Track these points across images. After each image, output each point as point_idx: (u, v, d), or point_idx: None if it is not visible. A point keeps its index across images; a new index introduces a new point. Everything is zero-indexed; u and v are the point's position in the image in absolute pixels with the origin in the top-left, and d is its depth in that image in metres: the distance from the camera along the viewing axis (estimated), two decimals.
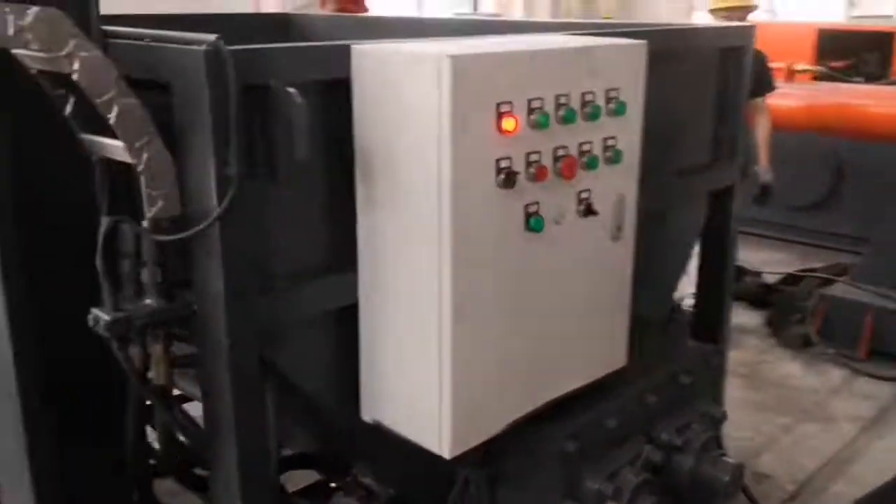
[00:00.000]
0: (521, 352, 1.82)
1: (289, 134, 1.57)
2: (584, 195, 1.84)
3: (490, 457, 1.98)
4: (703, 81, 2.66)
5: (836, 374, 4.67)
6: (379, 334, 1.79)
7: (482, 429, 1.80)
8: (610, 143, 1.86)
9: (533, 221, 1.72)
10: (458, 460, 2.01)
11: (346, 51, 1.66)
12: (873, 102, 5.48)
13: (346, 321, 1.83)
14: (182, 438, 1.87)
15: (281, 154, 1.62)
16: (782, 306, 5.15)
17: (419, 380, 1.73)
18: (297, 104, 1.53)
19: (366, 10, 4.83)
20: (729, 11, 4.88)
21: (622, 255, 2.01)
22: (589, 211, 1.84)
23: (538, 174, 1.70)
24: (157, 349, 1.65)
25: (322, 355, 1.86)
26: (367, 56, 1.66)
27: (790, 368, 4.71)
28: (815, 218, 6.37)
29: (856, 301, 4.81)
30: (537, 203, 1.74)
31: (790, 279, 5.54)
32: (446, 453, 1.74)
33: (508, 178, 1.64)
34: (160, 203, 1.56)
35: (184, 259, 1.63)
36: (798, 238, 6.48)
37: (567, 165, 1.75)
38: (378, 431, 1.90)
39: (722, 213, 2.84)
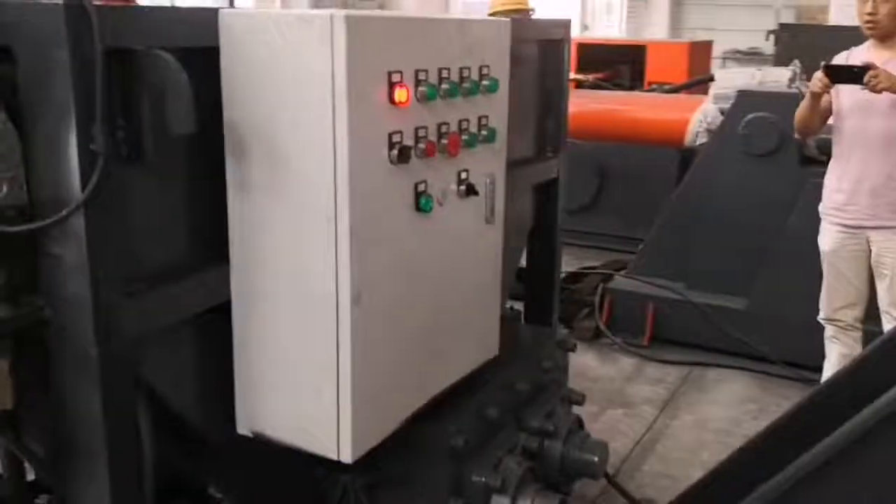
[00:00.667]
0: (414, 342, 1.72)
1: (159, 106, 1.36)
2: (463, 175, 1.77)
3: (371, 461, 1.85)
4: (526, 74, 2.69)
5: (627, 362, 4.94)
6: (257, 334, 1.61)
7: (380, 427, 1.67)
8: (484, 121, 1.81)
9: (423, 201, 1.63)
10: (337, 468, 1.87)
11: (214, 15, 1.48)
12: (633, 108, 5.91)
13: (214, 323, 1.63)
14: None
15: (148, 131, 1.41)
16: (571, 302, 5.38)
17: (310, 379, 1.57)
18: (173, 69, 1.34)
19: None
20: (507, 14, 5.05)
21: (495, 240, 1.96)
22: (470, 190, 1.78)
23: (427, 150, 1.61)
24: (1, 365, 1.36)
25: (189, 363, 1.64)
26: (239, 21, 1.49)
27: (586, 360, 4.92)
28: (585, 220, 6.74)
29: (637, 293, 5.12)
30: (425, 182, 1.64)
31: (573, 277, 5.80)
32: (347, 457, 1.59)
33: (402, 154, 1.54)
34: (4, 189, 1.29)
35: (30, 257, 1.37)
36: (571, 240, 6.81)
37: (452, 142, 1.67)
38: (242, 449, 1.71)
39: (548, 204, 2.89)
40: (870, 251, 3.77)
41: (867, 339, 4.15)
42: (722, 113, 5.13)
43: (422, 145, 1.59)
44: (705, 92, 6.14)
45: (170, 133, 1.36)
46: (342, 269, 1.49)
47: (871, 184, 3.66)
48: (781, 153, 4.78)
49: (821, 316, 4.15)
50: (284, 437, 1.63)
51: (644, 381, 4.74)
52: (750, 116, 4.81)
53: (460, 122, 1.72)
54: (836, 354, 4.19)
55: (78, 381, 1.39)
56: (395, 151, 1.53)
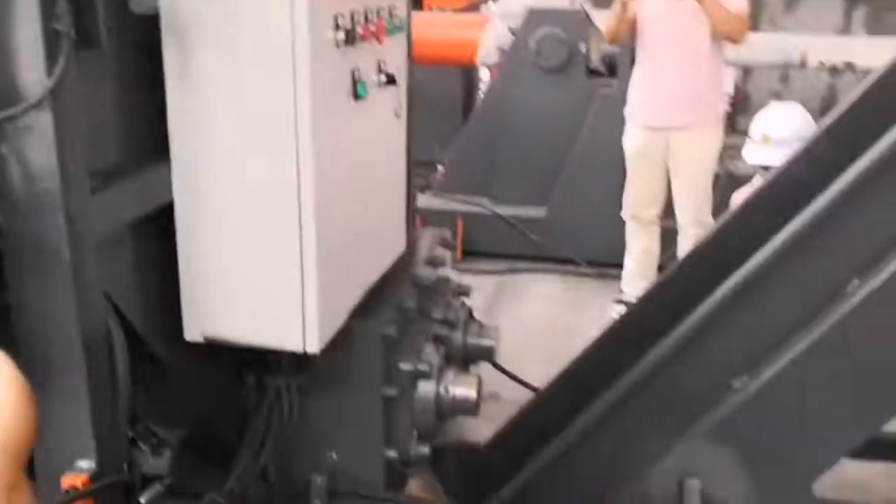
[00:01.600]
0: (353, 236, 1.72)
1: None
2: (382, 64, 1.78)
3: (300, 362, 1.85)
4: None
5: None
6: (206, 234, 1.54)
7: (336, 317, 1.68)
8: (394, 11, 1.82)
9: (360, 87, 1.62)
10: (267, 373, 1.85)
11: None
12: (423, 28, 5.99)
13: (155, 225, 1.54)
14: None
15: (103, 13, 1.28)
16: None
17: (271, 273, 1.54)
18: None
19: None
20: None
21: (403, 136, 1.98)
22: (390, 80, 1.79)
23: (364, 34, 1.60)
24: None
25: (142, 267, 1.54)
26: None
27: None
28: None
29: (446, 211, 5.29)
30: (358, 69, 1.64)
31: None
32: (315, 347, 1.58)
33: (348, 36, 1.52)
34: None
35: None
36: None
37: (381, 27, 1.67)
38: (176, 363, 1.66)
39: None
40: (669, 151, 4.16)
41: (664, 235, 4.61)
42: (511, 31, 5.35)
43: (359, 29, 1.58)
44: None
45: (129, 9, 1.26)
46: (304, 165, 1.46)
47: (671, 88, 4.02)
48: (571, 67, 5.10)
49: (623, 213, 4.53)
50: (240, 337, 1.59)
51: None
52: (540, 33, 5.07)
53: (378, 10, 1.72)
54: (638, 249, 4.61)
55: (47, 290, 1.27)
56: (341, 34, 1.51)
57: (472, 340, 2.30)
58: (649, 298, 2.45)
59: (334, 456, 1.95)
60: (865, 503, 2.85)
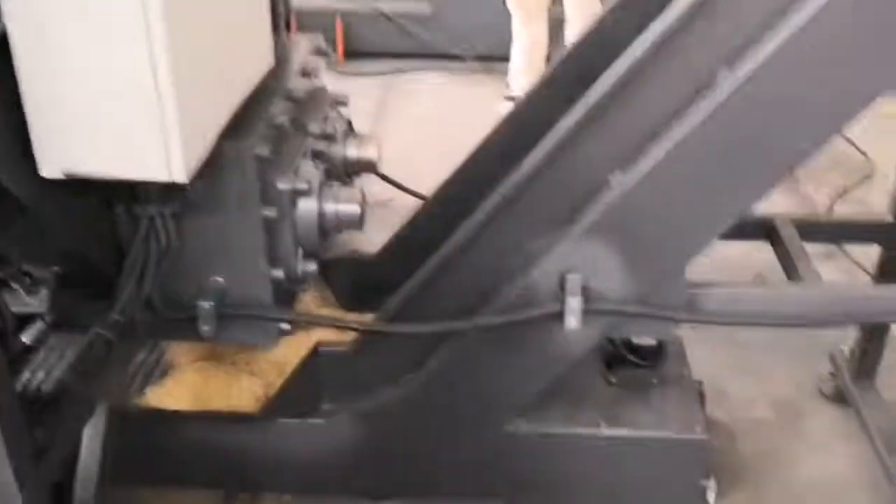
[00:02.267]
0: (213, 52, 1.62)
1: None
2: None
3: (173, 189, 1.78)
4: None
5: (327, 81, 4.96)
6: (49, 64, 1.42)
7: (203, 142, 1.60)
8: None
9: None
10: (140, 202, 1.79)
11: None
12: None
13: None
14: None
15: None
16: None
17: (125, 101, 1.44)
18: None
19: None
20: None
21: None
22: None
23: None
24: None
25: None
26: None
27: None
28: None
29: (323, 11, 5.06)
30: None
31: None
32: (182, 176, 1.52)
33: None
34: None
35: None
36: None
37: None
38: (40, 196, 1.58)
39: None
40: None
41: (552, 26, 4.54)
42: None
43: None
44: None
45: None
46: None
47: None
48: None
49: (509, 3, 4.42)
50: (102, 171, 1.51)
51: (353, 96, 4.82)
52: None
53: None
54: (525, 42, 4.54)
55: None
56: None
57: (353, 153, 2.26)
58: (533, 95, 2.43)
59: (220, 280, 1.93)
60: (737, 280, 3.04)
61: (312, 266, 2.02)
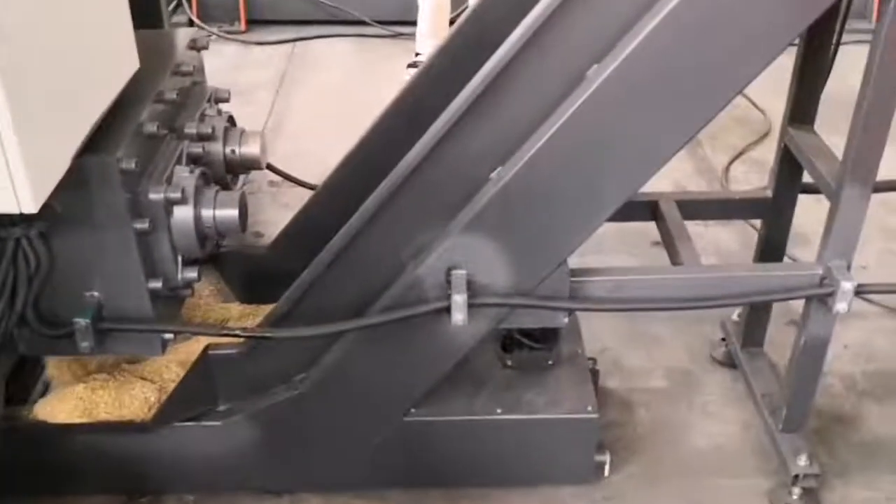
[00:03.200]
0: (62, 67, 1.55)
1: None
2: None
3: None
4: None
5: (229, 51, 4.85)
6: None
7: (55, 166, 1.55)
8: None
9: None
10: (2, 225, 1.73)
11: None
12: None
13: None
14: None
15: None
16: None
17: None
18: None
19: None
20: None
21: None
22: None
23: None
24: None
25: None
26: None
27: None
28: None
29: None
30: None
31: None
32: (31, 206, 1.46)
33: None
34: None
35: None
36: None
37: None
38: None
39: None
40: None
41: None
42: None
43: None
44: None
45: None
46: None
47: None
48: None
49: None
50: None
51: (251, 66, 4.72)
52: None
53: None
54: (429, 3, 4.48)
55: None
56: None
57: (234, 151, 2.22)
58: (430, 68, 2.40)
59: (95, 294, 1.89)
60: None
61: (193, 273, 1.99)
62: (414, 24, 4.76)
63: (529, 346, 2.36)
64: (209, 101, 2.26)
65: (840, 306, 2.02)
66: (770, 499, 2.31)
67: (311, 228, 2.47)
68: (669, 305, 2.09)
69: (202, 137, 2.11)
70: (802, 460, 2.23)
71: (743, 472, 2.39)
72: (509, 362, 2.37)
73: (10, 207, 1.46)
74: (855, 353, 2.79)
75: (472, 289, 1.98)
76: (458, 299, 1.96)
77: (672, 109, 1.82)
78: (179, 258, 1.97)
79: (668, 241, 2.28)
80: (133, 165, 1.76)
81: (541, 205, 1.93)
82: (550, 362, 2.37)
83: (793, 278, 2.06)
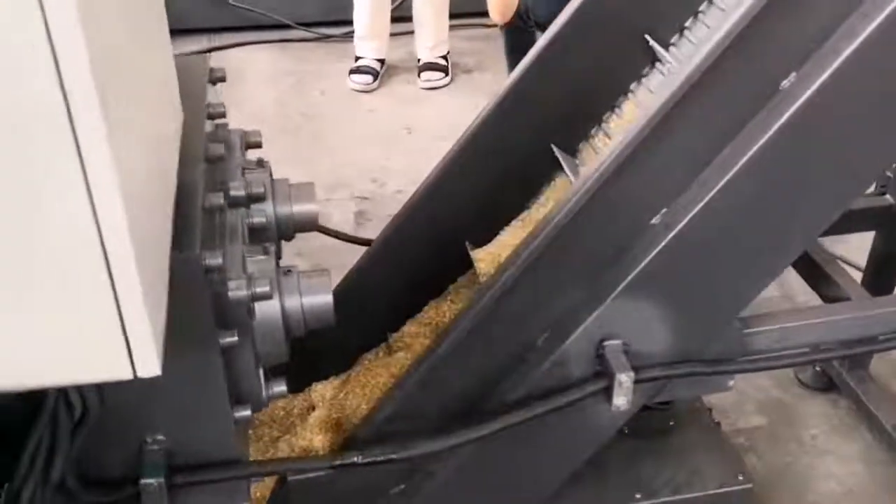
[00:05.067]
0: (149, 151, 1.03)
1: None
2: None
3: None
4: None
5: None
6: None
7: (163, 298, 1.03)
8: None
9: None
10: None
11: None
12: None
13: None
14: None
15: None
16: None
17: (58, 284, 0.85)
18: None
19: None
20: None
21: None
22: None
23: None
24: None
25: None
26: None
27: None
28: None
29: None
30: None
31: None
32: (155, 368, 0.94)
33: None
34: None
35: None
36: None
37: None
38: None
39: None
40: None
41: None
42: None
43: None
44: None
45: None
46: (72, 56, 0.75)
47: None
48: None
49: None
50: (24, 382, 0.91)
51: None
52: None
53: None
54: (367, 3, 4.00)
55: None
56: None
57: (287, 210, 1.70)
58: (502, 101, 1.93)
59: (162, 439, 1.36)
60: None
61: (282, 386, 1.48)
62: (341, 24, 4.28)
63: (645, 406, 1.98)
64: (241, 147, 1.73)
65: None
66: None
67: (367, 292, 2.00)
68: (848, 352, 1.76)
69: (253, 199, 1.59)
70: None
71: None
72: (626, 430, 1.97)
73: (123, 373, 0.93)
74: None
75: (629, 360, 1.58)
76: (624, 379, 1.55)
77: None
78: (261, 369, 1.46)
79: (815, 272, 1.94)
80: (219, 260, 1.24)
81: (720, 254, 1.55)
82: (672, 423, 2.00)
83: None
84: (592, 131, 1.91)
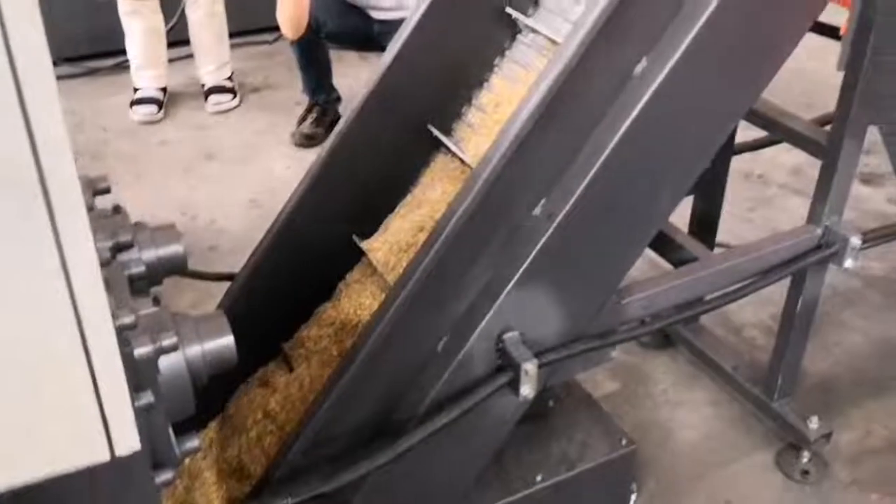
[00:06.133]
0: None
1: None
2: None
3: None
4: None
5: None
6: None
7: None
8: None
9: None
10: None
11: None
12: None
13: None
14: None
15: None
16: None
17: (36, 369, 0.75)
18: None
19: None
20: None
21: None
22: None
23: None
24: None
25: None
26: None
27: None
28: None
29: None
30: None
31: None
32: (135, 443, 0.86)
33: None
34: None
35: None
36: None
37: None
38: None
39: None
40: None
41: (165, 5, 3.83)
42: None
43: None
44: None
45: None
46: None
47: None
48: None
49: None
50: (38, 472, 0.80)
51: None
52: None
53: None
54: (138, 29, 3.80)
55: None
56: None
57: (154, 254, 1.59)
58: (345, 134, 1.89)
59: None
60: None
61: (194, 441, 1.39)
62: (109, 55, 4.04)
63: None
64: (91, 191, 1.60)
65: (848, 262, 1.98)
66: (782, 469, 2.25)
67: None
68: (707, 307, 1.91)
69: (120, 248, 1.47)
70: (814, 422, 2.20)
71: (742, 451, 2.32)
72: None
73: (99, 456, 0.84)
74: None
75: (528, 349, 1.63)
76: (529, 367, 1.60)
77: (739, 82, 1.62)
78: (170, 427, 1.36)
79: (661, 241, 2.08)
80: (132, 318, 1.15)
81: (600, 234, 1.63)
82: (551, 404, 2.08)
83: (802, 244, 1.98)
84: (463, 109, 1.92)
